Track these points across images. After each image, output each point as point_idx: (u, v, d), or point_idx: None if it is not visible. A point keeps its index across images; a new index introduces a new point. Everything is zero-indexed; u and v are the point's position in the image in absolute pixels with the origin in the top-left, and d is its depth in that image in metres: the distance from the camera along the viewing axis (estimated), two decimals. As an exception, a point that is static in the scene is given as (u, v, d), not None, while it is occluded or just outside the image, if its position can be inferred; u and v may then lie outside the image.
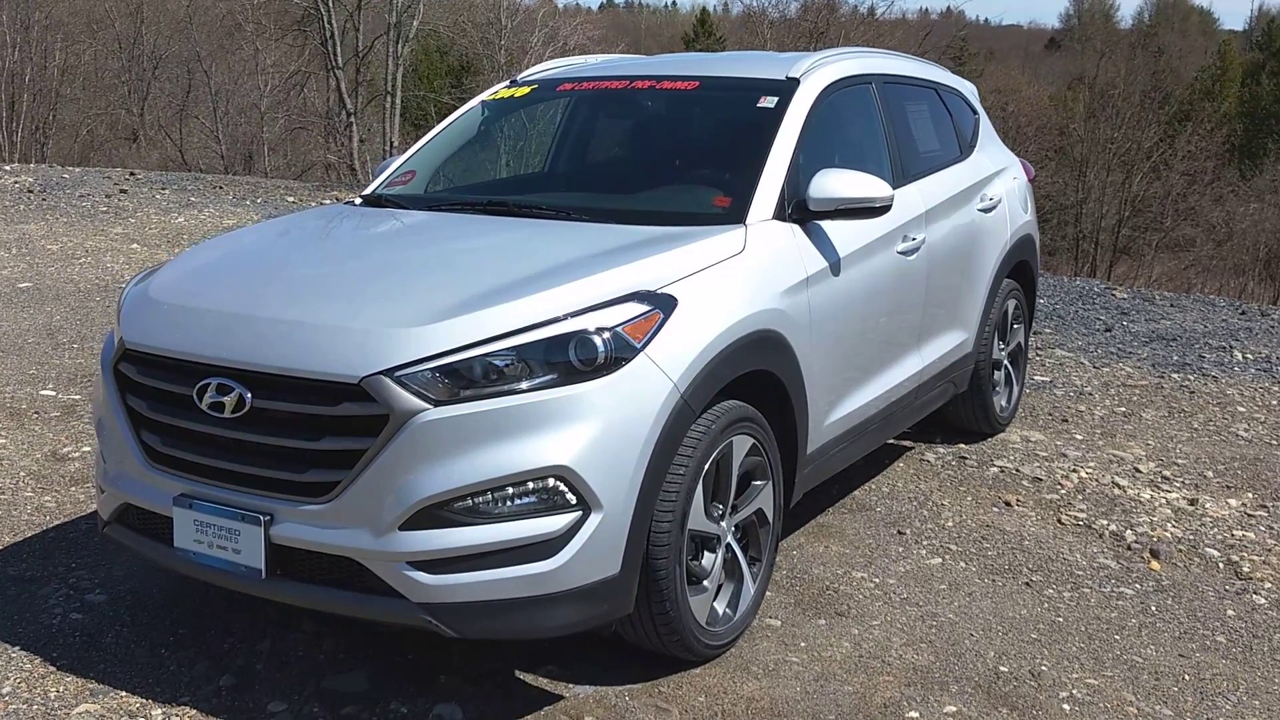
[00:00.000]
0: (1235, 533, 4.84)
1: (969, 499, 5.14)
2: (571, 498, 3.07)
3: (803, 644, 3.76)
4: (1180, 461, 5.79)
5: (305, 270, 3.69)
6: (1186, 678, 3.65)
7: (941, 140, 5.53)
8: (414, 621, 3.10)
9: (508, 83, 5.18)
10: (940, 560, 4.46)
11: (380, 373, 3.03)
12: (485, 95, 5.10)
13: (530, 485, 3.05)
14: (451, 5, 33.68)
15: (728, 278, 3.60)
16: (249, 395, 3.15)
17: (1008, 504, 5.09)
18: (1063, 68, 62.90)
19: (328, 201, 14.98)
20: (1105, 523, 4.90)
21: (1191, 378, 7.60)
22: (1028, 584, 4.27)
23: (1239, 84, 52.83)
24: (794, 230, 4.01)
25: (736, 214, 3.90)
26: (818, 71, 4.55)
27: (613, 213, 3.99)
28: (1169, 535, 4.78)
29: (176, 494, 3.33)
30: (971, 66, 44.84)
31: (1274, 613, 4.11)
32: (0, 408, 5.97)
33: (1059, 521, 4.92)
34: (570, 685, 3.48)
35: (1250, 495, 5.33)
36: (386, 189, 4.68)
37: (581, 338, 3.12)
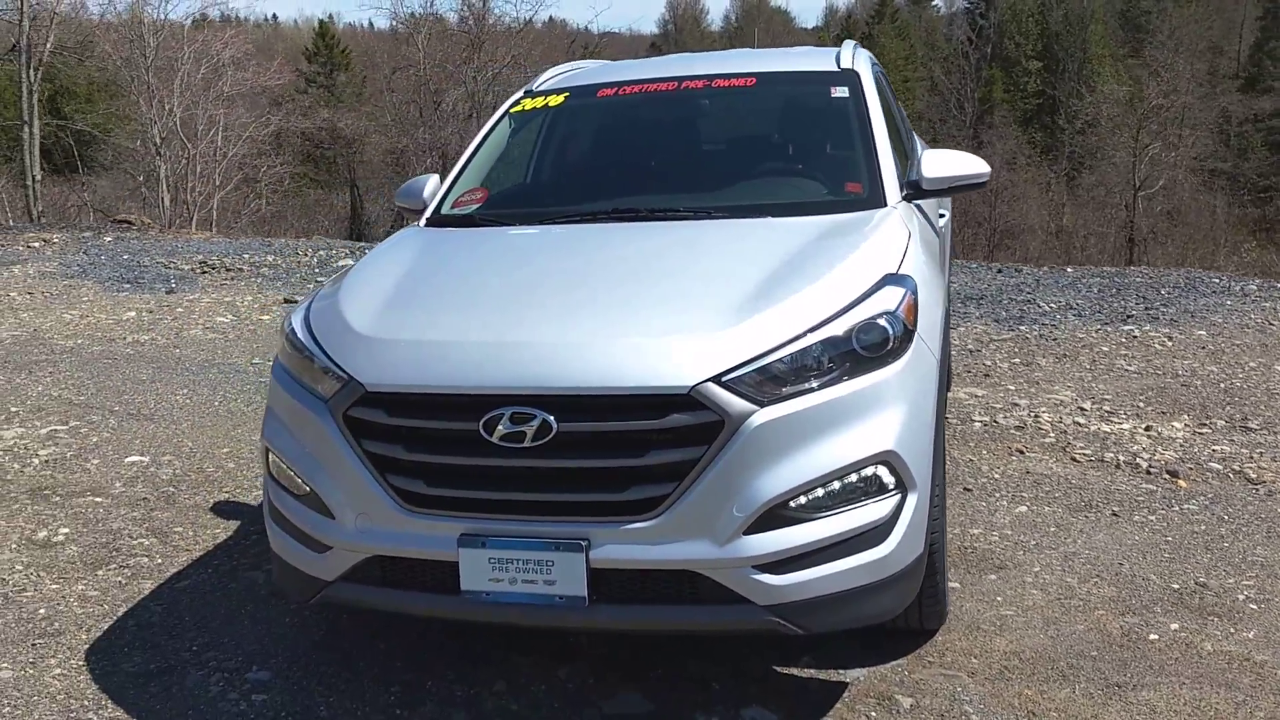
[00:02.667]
0: (1211, 448, 5.56)
1: (986, 452, 5.55)
2: (891, 481, 3.11)
3: (999, 599, 3.98)
4: (1107, 397, 6.53)
5: (528, 291, 3.45)
6: None
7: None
8: (758, 626, 3.03)
9: (523, 92, 5.01)
10: (1026, 507, 4.83)
11: (709, 379, 2.94)
12: (509, 108, 4.91)
13: (859, 474, 3.07)
14: (83, 26, 30.85)
15: (916, 255, 3.75)
16: (553, 420, 2.95)
17: (1020, 452, 5.55)
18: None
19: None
20: (1111, 455, 5.46)
21: (1036, 329, 8.51)
22: (1115, 514, 4.72)
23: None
24: (913, 209, 4.21)
25: (876, 198, 4.03)
26: (859, 62, 4.77)
27: (752, 208, 4.01)
28: (1169, 457, 5.42)
29: (458, 535, 3.05)
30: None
31: None
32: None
33: (1074, 460, 5.43)
34: (843, 671, 3.51)
35: (1186, 418, 6.11)
36: (459, 209, 4.40)
37: (871, 325, 3.16)
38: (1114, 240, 36.65)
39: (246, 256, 12.50)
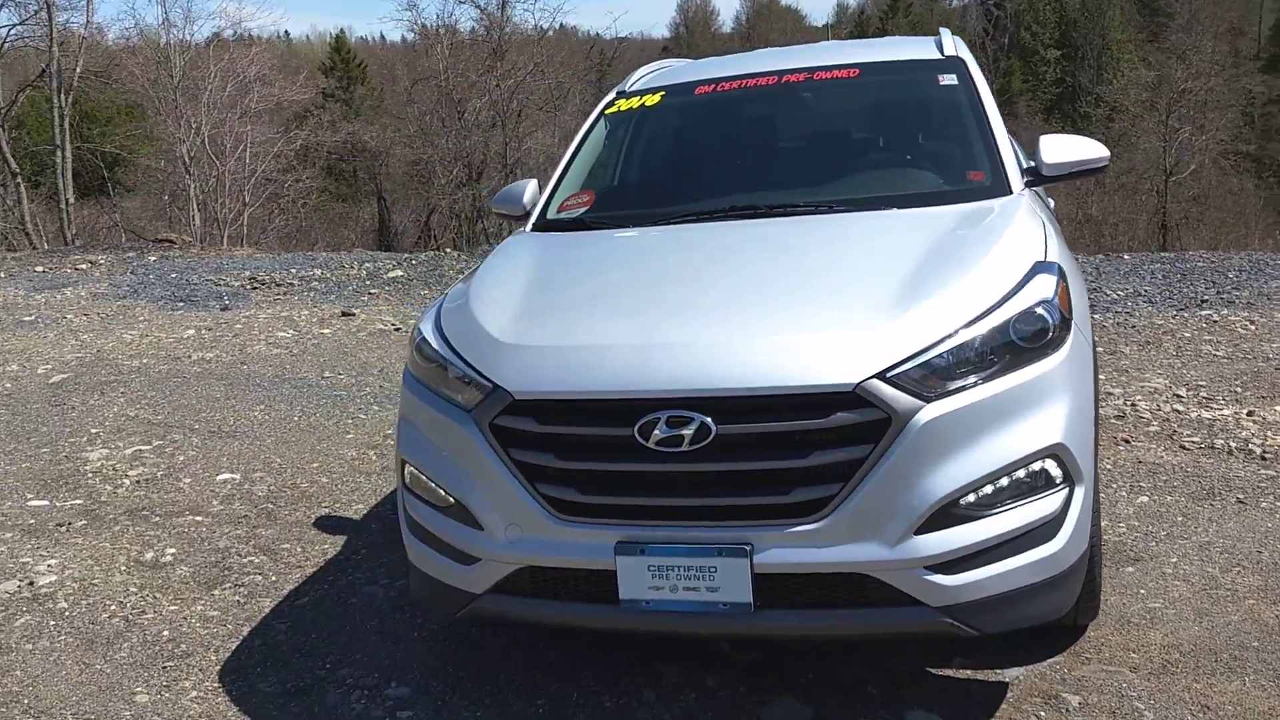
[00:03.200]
0: (1322, 432, 5.44)
1: (1090, 442, 5.44)
2: (1059, 475, 3.02)
3: (1142, 591, 3.87)
4: (1201, 383, 6.40)
5: (670, 292, 3.37)
6: None
7: None
8: (930, 627, 2.94)
9: (615, 94, 4.94)
10: (1147, 498, 4.72)
11: (874, 376, 2.85)
12: (603, 109, 4.84)
13: (1028, 469, 2.98)
14: (107, 51, 31.08)
15: (1056, 241, 3.65)
16: (711, 423, 2.86)
17: (1126, 441, 5.44)
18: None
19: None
20: (1220, 442, 5.35)
21: (1110, 317, 8.37)
22: (1240, 502, 4.61)
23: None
24: (1036, 195, 4.12)
25: (1000, 186, 3.94)
26: (961, 49, 4.67)
27: (874, 200, 3.92)
28: (1279, 442, 5.30)
29: (614, 543, 2.97)
30: (619, 78, 46.53)
31: None
32: (20, 526, 4.99)
33: (1183, 448, 5.31)
34: (1000, 671, 3.41)
35: (1288, 401, 5.99)
36: (566, 213, 4.33)
37: (1030, 315, 3.07)
38: (1145, 226, 36.29)
39: (294, 271, 12.48)
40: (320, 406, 6.90)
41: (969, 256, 3.30)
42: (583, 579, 3.07)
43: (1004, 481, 2.94)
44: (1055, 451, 2.99)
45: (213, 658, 3.79)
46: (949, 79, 4.45)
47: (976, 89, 4.36)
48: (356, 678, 3.61)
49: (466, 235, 28.75)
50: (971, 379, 2.91)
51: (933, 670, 3.44)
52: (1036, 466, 2.98)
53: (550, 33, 32.20)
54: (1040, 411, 2.99)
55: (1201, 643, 3.50)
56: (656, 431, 2.90)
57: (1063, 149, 4.07)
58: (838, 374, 2.86)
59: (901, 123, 4.56)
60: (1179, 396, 6.15)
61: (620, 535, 2.99)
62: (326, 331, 9.22)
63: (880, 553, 2.86)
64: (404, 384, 3.55)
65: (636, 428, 2.92)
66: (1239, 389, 6.24)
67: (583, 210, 4.32)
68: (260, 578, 4.43)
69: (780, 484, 2.88)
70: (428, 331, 3.51)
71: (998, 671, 3.41)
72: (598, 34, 38.91)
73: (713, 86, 4.72)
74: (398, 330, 9.02)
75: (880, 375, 2.85)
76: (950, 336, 2.94)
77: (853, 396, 2.84)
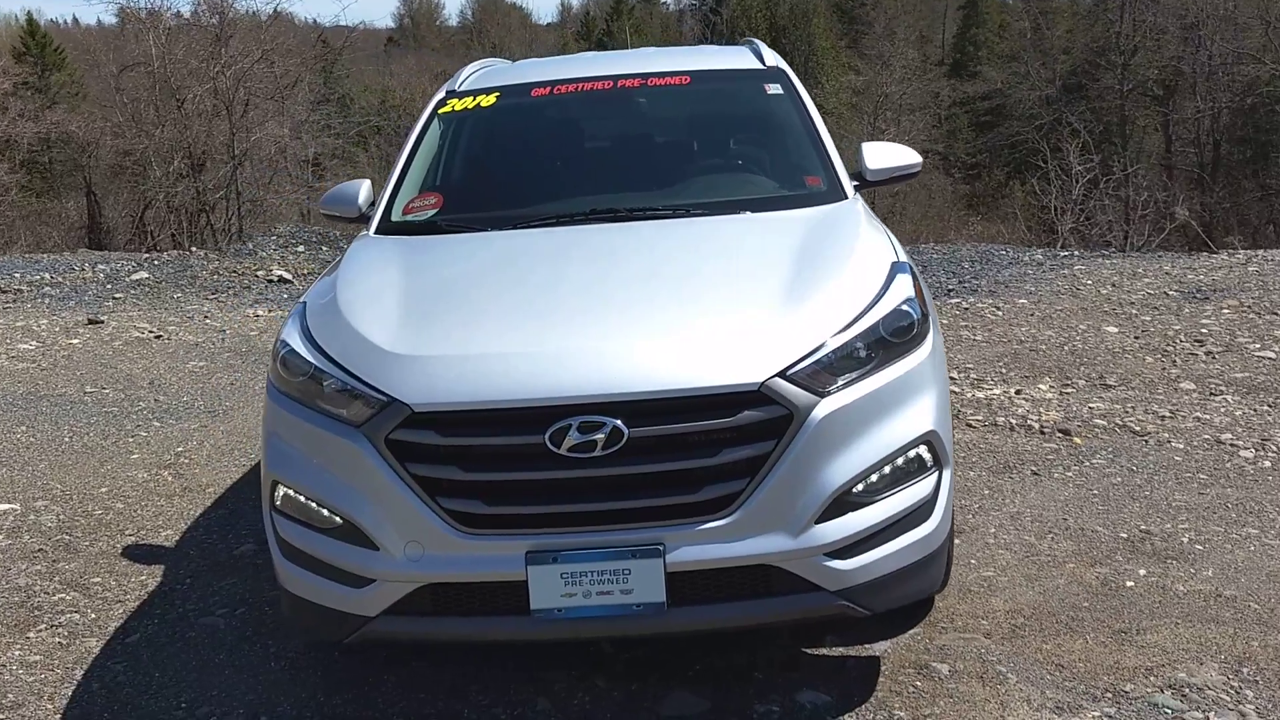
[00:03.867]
0: (1086, 407, 6.02)
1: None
2: (930, 459, 3.23)
3: (972, 561, 4.18)
4: (969, 365, 6.94)
5: (561, 296, 3.34)
6: (1225, 505, 4.61)
7: None
8: (829, 611, 3.08)
9: (444, 92, 4.81)
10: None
11: (777, 374, 2.97)
12: (435, 109, 4.70)
13: (906, 455, 3.17)
14: None
15: (896, 242, 3.88)
16: (624, 426, 2.88)
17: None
18: (419, 63, 65.45)
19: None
20: (1001, 419, 5.82)
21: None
22: (1035, 474, 5.04)
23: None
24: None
25: (835, 191, 4.14)
26: (780, 60, 4.87)
27: (726, 204, 4.03)
28: (1054, 417, 5.83)
29: (524, 553, 2.94)
30: (346, 68, 45.04)
31: (1200, 453, 5.25)
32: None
33: (969, 426, 5.76)
34: (869, 647, 3.60)
35: (1049, 379, 6.59)
36: (414, 215, 4.19)
37: (897, 313, 3.26)
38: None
39: (17, 275, 11.39)
40: (92, 425, 6.36)
41: (834, 260, 3.48)
42: (489, 592, 3.02)
43: (887, 469, 3.11)
44: (928, 438, 3.20)
45: (48, 706, 3.45)
46: (774, 88, 4.63)
47: (801, 98, 4.57)
48: (220, 714, 3.38)
49: (189, 231, 27.10)
50: (854, 374, 3.07)
51: (809, 651, 3.58)
52: (913, 453, 3.17)
53: (273, 18, 30.66)
54: (913, 402, 3.19)
55: (1040, 606, 3.82)
56: (569, 438, 2.88)
57: (883, 155, 4.33)
58: (743, 374, 2.95)
59: (737, 130, 4.71)
60: (952, 379, 6.65)
61: (530, 545, 2.95)
62: (75, 342, 8.49)
63: (785, 543, 2.97)
64: (269, 398, 3.35)
65: (548, 435, 2.89)
66: (1003, 370, 6.82)
67: (432, 212, 4.20)
68: (78, 616, 4.05)
69: (690, 483, 2.94)
70: (295, 342, 3.33)
71: (867, 647, 3.59)
72: (317, 21, 37.36)
73: (549, 89, 4.69)
74: (159, 338, 8.43)
75: (781, 374, 2.97)
76: (837, 335, 3.10)
77: (758, 395, 2.93)
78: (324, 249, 12.61)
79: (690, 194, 4.20)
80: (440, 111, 4.71)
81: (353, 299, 3.47)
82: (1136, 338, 7.11)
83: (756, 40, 5.25)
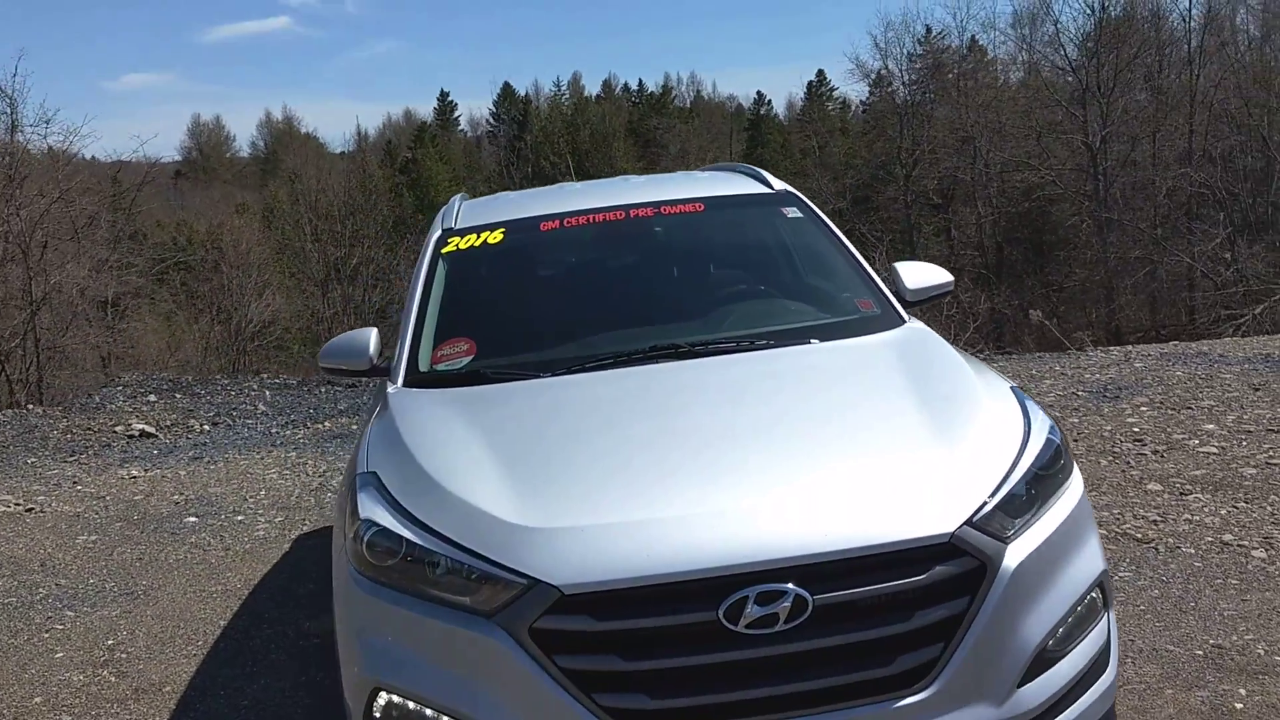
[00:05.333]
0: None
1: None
2: (1100, 600, 3.03)
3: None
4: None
5: (676, 449, 3.01)
6: (1274, 610, 4.56)
7: None
8: None
9: (440, 231, 4.44)
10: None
11: (965, 523, 2.71)
12: (437, 249, 4.31)
13: (1086, 600, 2.96)
14: None
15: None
16: (808, 594, 2.59)
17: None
18: (213, 196, 63.74)
19: None
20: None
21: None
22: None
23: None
24: None
25: (891, 314, 3.96)
26: (781, 183, 4.75)
27: (788, 334, 3.82)
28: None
29: None
30: (141, 204, 43.09)
31: (1215, 557, 5.20)
32: None
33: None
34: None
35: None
36: (446, 364, 3.78)
37: (1048, 442, 3.07)
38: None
39: None
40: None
41: (961, 391, 3.28)
42: (654, 802, 2.62)
43: (1071, 618, 2.88)
44: (1102, 579, 3.00)
45: None
46: (793, 212, 4.49)
47: (823, 221, 4.44)
48: None
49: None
50: (1026, 516, 2.85)
51: None
52: (1090, 597, 2.96)
53: (69, 157, 29.33)
54: (1083, 540, 2.99)
55: None
56: (747, 611, 2.56)
57: (919, 275, 4.23)
58: (931, 524, 2.67)
59: (767, 257, 4.52)
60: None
61: None
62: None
63: (990, 715, 2.68)
64: (349, 588, 2.89)
65: (722, 610, 2.56)
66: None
67: (467, 360, 3.80)
68: None
69: (881, 653, 2.63)
70: (385, 519, 2.89)
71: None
72: (111, 159, 35.66)
73: (557, 222, 4.40)
74: (30, 511, 7.51)
75: (969, 521, 2.71)
76: (1007, 477, 2.87)
77: (949, 547, 2.66)
78: (178, 396, 11.73)
79: (742, 324, 3.94)
80: (443, 251, 4.35)
81: (444, 464, 3.04)
82: (1076, 440, 7.23)
83: (746, 164, 5.15)
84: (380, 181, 53.86)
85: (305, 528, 6.67)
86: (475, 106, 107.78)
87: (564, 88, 69.97)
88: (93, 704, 4.51)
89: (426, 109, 74.53)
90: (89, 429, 10.14)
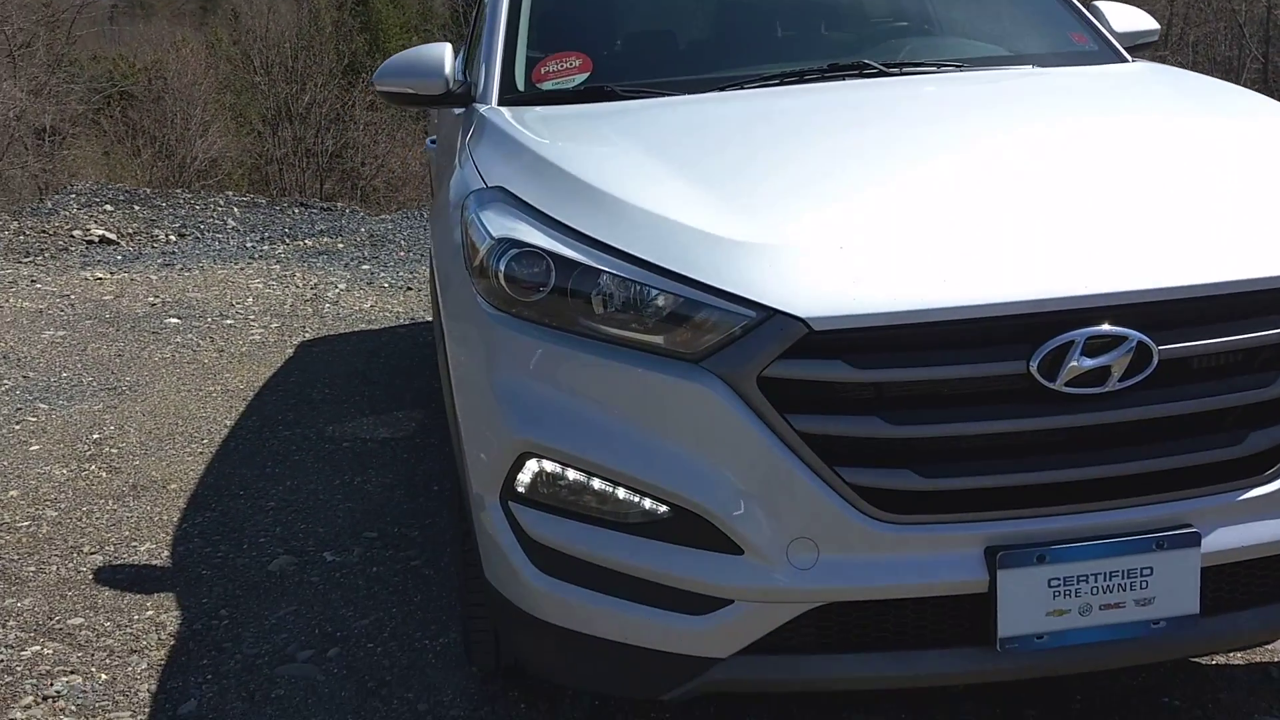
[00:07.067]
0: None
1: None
2: None
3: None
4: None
5: (955, 165, 2.29)
6: None
7: None
8: None
9: None
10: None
11: None
12: None
13: None
14: None
15: None
16: (1152, 343, 1.90)
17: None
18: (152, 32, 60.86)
19: None
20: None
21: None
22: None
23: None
24: None
25: (1109, 50, 3.24)
26: None
27: (1000, 59, 3.15)
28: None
29: (984, 549, 1.91)
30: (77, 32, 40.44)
31: None
32: None
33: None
34: None
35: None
36: (554, 81, 2.97)
37: None
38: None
39: None
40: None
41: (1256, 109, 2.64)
42: (922, 614, 1.97)
43: None
44: None
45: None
46: None
47: None
48: None
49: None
50: None
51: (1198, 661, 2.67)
52: None
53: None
54: None
55: None
56: (1071, 362, 1.87)
57: (1126, 18, 3.48)
58: None
59: None
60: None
61: (995, 536, 1.92)
62: None
63: None
64: (489, 329, 2.15)
65: (1035, 361, 1.87)
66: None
67: (582, 77, 3.00)
68: (79, 679, 2.67)
69: (1228, 428, 1.97)
70: (530, 235, 2.14)
71: None
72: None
73: None
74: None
75: None
76: None
77: None
78: (136, 208, 10.70)
79: (933, 49, 3.20)
80: None
81: (607, 171, 2.29)
82: None
83: None
84: (328, 23, 51.56)
85: (307, 335, 5.88)
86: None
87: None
88: (81, 499, 3.77)
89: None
90: (43, 232, 9.15)
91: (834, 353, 1.87)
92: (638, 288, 2.00)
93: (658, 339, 1.97)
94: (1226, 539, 1.96)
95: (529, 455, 2.06)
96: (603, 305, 2.02)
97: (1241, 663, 2.60)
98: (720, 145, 2.51)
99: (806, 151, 2.43)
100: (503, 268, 2.13)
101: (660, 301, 1.97)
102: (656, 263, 2.00)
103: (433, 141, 4.12)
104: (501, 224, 2.22)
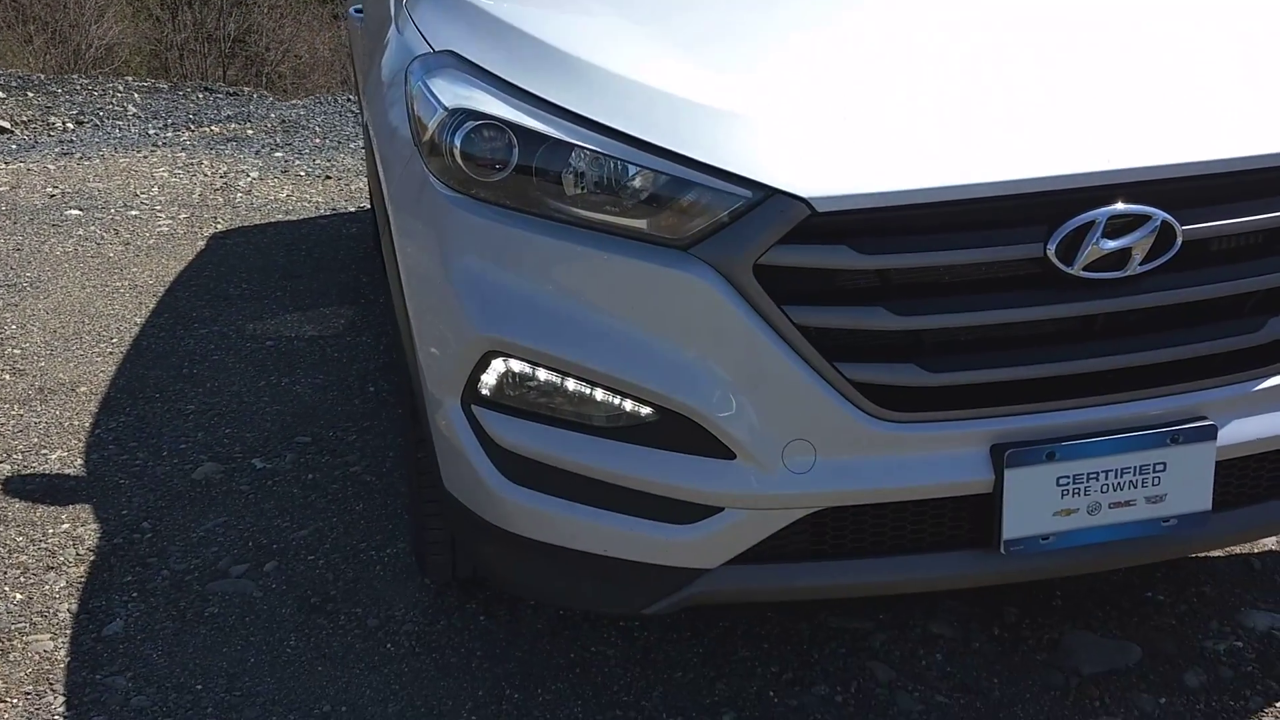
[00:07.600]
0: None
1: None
2: None
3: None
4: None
5: (972, 34, 2.09)
6: None
7: None
8: None
9: None
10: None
11: None
12: None
13: None
14: None
15: None
16: (1175, 223, 1.74)
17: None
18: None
19: None
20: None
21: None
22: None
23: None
24: None
25: None
26: None
27: None
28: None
29: (990, 447, 1.78)
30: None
31: None
32: None
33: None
34: None
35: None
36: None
37: None
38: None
39: None
40: None
41: None
42: (923, 517, 1.84)
43: None
44: None
45: None
46: None
47: None
48: None
49: None
50: None
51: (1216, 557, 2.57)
52: None
53: None
54: None
55: None
56: (1091, 244, 1.71)
57: None
58: None
59: None
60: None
61: (1001, 433, 1.78)
62: None
63: None
64: (446, 212, 1.92)
65: (1053, 244, 1.71)
66: None
67: None
68: (-7, 601, 2.45)
69: (1247, 315, 1.85)
70: (488, 104, 1.91)
71: None
72: None
73: None
74: None
75: None
76: None
77: None
78: (30, 94, 10.04)
79: None
80: None
81: (572, 31, 2.06)
82: None
83: None
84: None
85: (219, 226, 5.53)
86: None
87: None
88: (-15, 404, 3.48)
89: None
90: (-77, 118, 8.52)
91: (838, 237, 1.69)
92: (615, 164, 1.79)
93: (639, 223, 1.77)
94: (1242, 431, 1.86)
95: (494, 354, 1.85)
96: (575, 185, 1.81)
97: (1222, 555, 2.54)
98: (706, 2, 2.28)
99: (804, 13, 2.22)
100: (458, 143, 1.89)
101: (641, 180, 1.77)
102: (637, 135, 1.79)
103: (357, 10, 3.78)
104: (454, 93, 1.98)
